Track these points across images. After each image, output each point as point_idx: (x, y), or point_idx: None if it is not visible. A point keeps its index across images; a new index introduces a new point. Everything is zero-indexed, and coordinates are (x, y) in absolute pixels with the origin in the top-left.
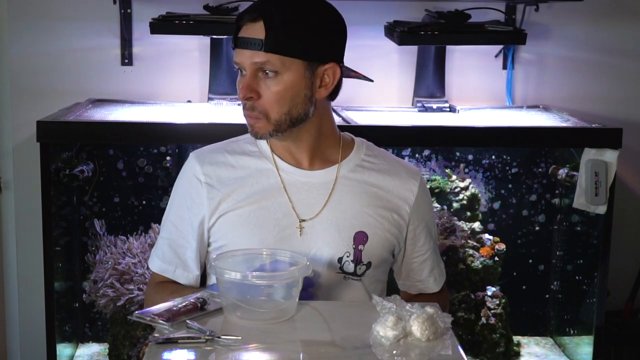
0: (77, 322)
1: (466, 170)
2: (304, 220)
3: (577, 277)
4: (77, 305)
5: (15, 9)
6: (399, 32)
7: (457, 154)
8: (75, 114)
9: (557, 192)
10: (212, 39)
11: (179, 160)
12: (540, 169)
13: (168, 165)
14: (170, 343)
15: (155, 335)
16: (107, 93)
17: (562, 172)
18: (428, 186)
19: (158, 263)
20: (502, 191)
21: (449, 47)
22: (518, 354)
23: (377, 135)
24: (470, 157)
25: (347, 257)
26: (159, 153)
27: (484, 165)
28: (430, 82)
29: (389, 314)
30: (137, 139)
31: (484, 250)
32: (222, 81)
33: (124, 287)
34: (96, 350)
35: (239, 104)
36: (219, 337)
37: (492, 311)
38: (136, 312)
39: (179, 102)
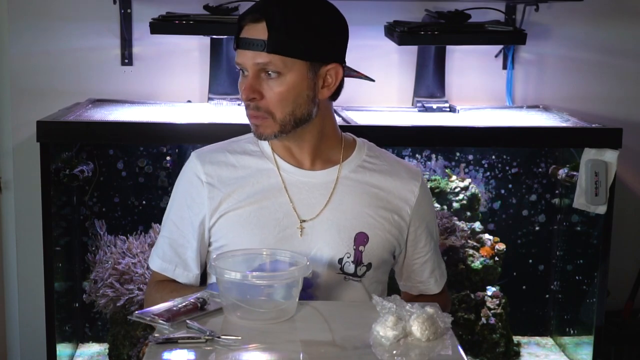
0: (77, 322)
1: (466, 170)
2: (304, 221)
3: (577, 277)
4: (77, 305)
5: (15, 9)
6: (399, 32)
7: (457, 154)
8: (75, 114)
9: (557, 192)
10: (212, 39)
11: (179, 160)
12: (540, 169)
13: (168, 165)
14: (170, 343)
15: (155, 335)
16: (107, 93)
17: (562, 172)
18: (428, 186)
19: (158, 262)
20: (502, 191)
21: (449, 47)
22: (518, 354)
23: (377, 135)
24: (470, 157)
25: (348, 257)
26: (159, 153)
27: (484, 165)
28: (430, 82)
29: (389, 314)
30: (137, 139)
31: (484, 250)
32: (222, 81)
33: (124, 287)
34: (96, 350)
35: (239, 104)
36: (219, 337)
37: (492, 311)
38: (136, 312)
39: (179, 102)
